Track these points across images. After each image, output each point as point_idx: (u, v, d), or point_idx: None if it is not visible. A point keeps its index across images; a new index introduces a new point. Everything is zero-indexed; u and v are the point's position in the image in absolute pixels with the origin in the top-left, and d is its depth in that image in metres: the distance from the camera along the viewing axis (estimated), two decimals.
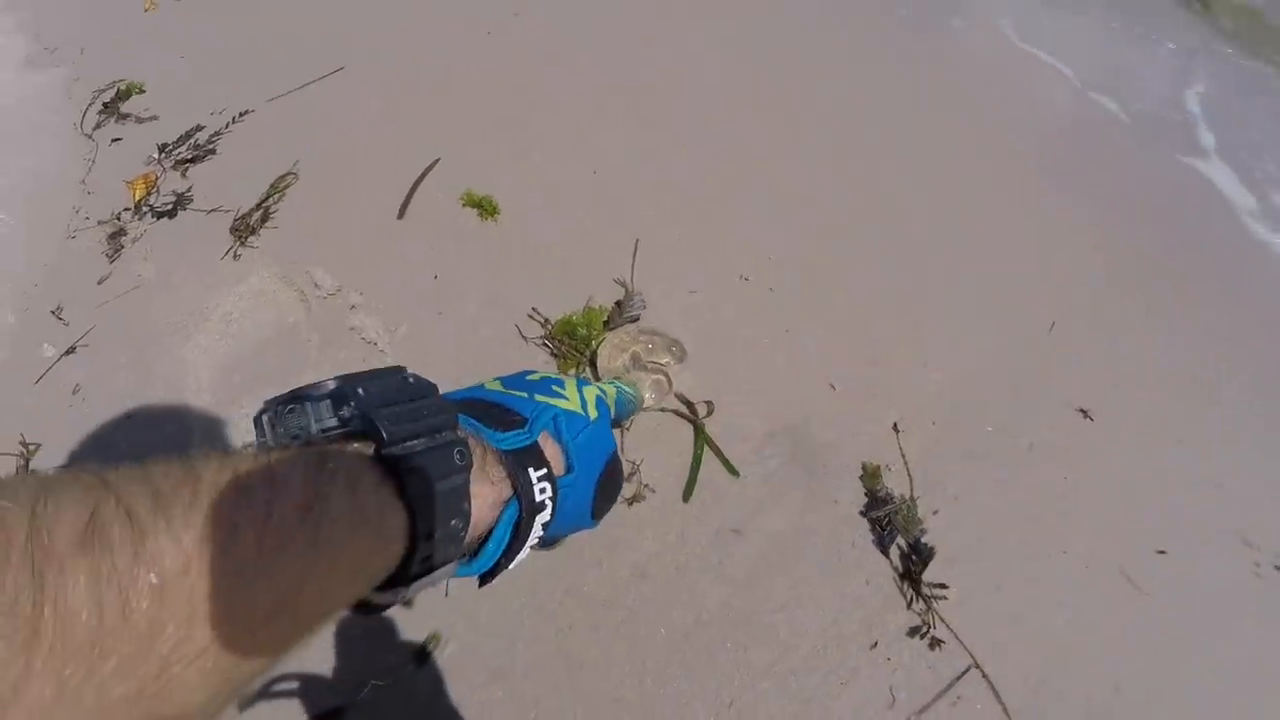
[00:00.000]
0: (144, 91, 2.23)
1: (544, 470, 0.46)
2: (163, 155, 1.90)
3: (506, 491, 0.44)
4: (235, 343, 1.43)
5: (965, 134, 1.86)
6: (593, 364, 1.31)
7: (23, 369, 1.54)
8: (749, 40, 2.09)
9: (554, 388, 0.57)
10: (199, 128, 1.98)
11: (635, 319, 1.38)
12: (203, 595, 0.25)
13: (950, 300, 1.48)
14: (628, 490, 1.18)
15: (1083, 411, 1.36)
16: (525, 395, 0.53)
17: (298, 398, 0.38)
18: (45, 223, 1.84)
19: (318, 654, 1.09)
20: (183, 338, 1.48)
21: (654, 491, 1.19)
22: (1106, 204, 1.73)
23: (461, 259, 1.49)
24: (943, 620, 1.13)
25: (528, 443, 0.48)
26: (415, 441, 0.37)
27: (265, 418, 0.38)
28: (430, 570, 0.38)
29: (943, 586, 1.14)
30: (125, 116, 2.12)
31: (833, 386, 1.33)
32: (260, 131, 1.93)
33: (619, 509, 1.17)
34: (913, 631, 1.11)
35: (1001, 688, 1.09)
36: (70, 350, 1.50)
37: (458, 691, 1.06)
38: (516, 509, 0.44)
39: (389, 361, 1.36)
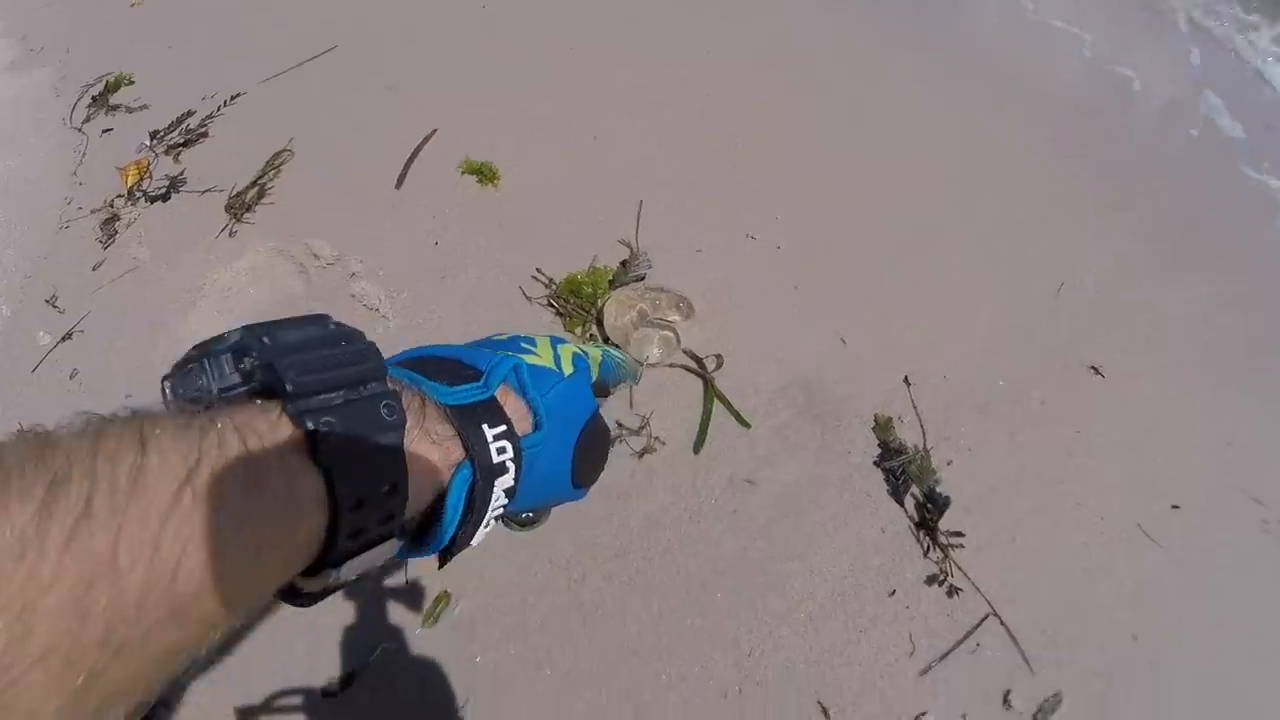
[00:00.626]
0: (133, 83, 2.21)
1: (502, 428, 0.39)
2: (155, 142, 1.88)
3: (456, 453, 0.37)
4: (234, 317, 1.41)
5: (980, 99, 1.85)
6: (599, 322, 1.29)
7: (20, 358, 1.51)
8: (756, 6, 2.09)
9: (523, 344, 0.50)
10: (190, 113, 1.96)
11: (641, 278, 1.37)
12: (39, 587, 0.20)
13: (961, 259, 1.47)
14: (637, 443, 1.16)
15: (1094, 369, 1.35)
16: (487, 351, 0.46)
17: (198, 355, 0.32)
18: (36, 216, 1.81)
19: (327, 619, 1.06)
20: (180, 316, 1.46)
21: (664, 444, 1.17)
22: (1119, 169, 1.73)
23: (462, 225, 1.48)
24: (960, 569, 1.11)
25: (482, 397, 0.40)
26: (332, 395, 0.31)
27: (167, 383, 0.32)
28: (367, 547, 0.33)
29: (959, 535, 1.12)
30: (115, 108, 2.10)
31: (843, 341, 1.32)
32: (254, 113, 1.92)
33: (629, 462, 1.15)
34: (930, 580, 1.09)
35: (1019, 635, 1.08)
36: (67, 336, 1.48)
37: (470, 651, 1.03)
38: (470, 472, 0.38)
39: (392, 330, 1.34)
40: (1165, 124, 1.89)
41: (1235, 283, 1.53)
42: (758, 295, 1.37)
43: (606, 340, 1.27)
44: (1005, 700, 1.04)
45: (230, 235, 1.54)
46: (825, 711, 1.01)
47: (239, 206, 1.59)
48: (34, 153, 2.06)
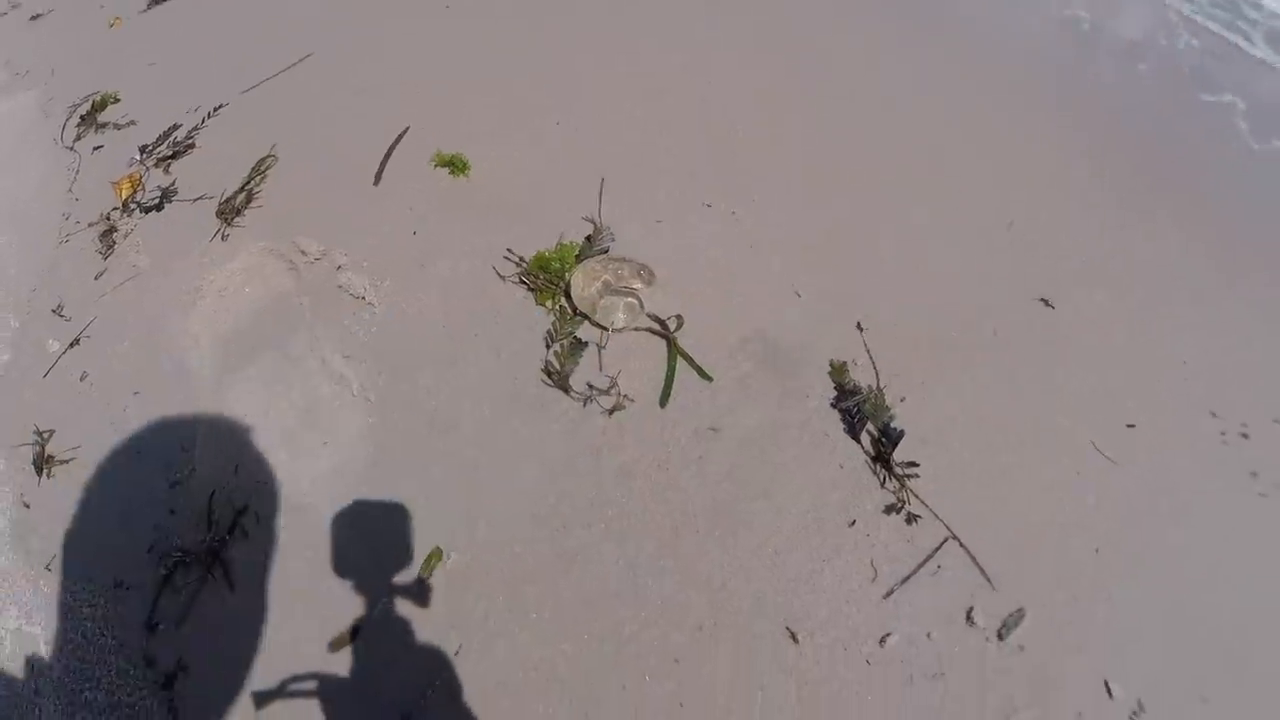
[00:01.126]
0: (119, 100, 2.29)
1: None
2: (145, 156, 1.97)
3: None
4: (232, 315, 1.49)
5: (944, 49, 1.90)
6: (567, 295, 1.37)
7: (30, 367, 1.60)
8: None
9: None
10: (176, 126, 2.04)
11: (605, 251, 1.44)
12: None
13: (908, 204, 1.53)
14: (607, 402, 1.24)
15: (1044, 300, 1.41)
16: None
17: None
18: (36, 233, 1.91)
19: (327, 577, 1.15)
20: (181, 317, 1.54)
21: (633, 401, 1.24)
22: (1067, 107, 1.77)
23: (437, 215, 1.56)
24: (917, 496, 1.18)
25: None
26: None
27: None
28: None
29: (913, 465, 1.19)
30: (104, 125, 2.19)
31: (798, 294, 1.38)
32: (237, 122, 2.00)
33: (600, 420, 1.23)
34: (889, 509, 1.17)
35: (980, 556, 1.14)
36: (74, 343, 1.57)
37: (462, 601, 1.12)
38: None
39: (379, 315, 1.42)
40: (1122, 59, 1.92)
41: (1190, 207, 1.57)
42: (715, 258, 1.44)
43: (575, 310, 1.35)
44: (969, 617, 1.11)
45: (223, 239, 1.62)
46: (794, 636, 1.09)
47: (229, 211, 1.67)
48: (26, 173, 2.15)
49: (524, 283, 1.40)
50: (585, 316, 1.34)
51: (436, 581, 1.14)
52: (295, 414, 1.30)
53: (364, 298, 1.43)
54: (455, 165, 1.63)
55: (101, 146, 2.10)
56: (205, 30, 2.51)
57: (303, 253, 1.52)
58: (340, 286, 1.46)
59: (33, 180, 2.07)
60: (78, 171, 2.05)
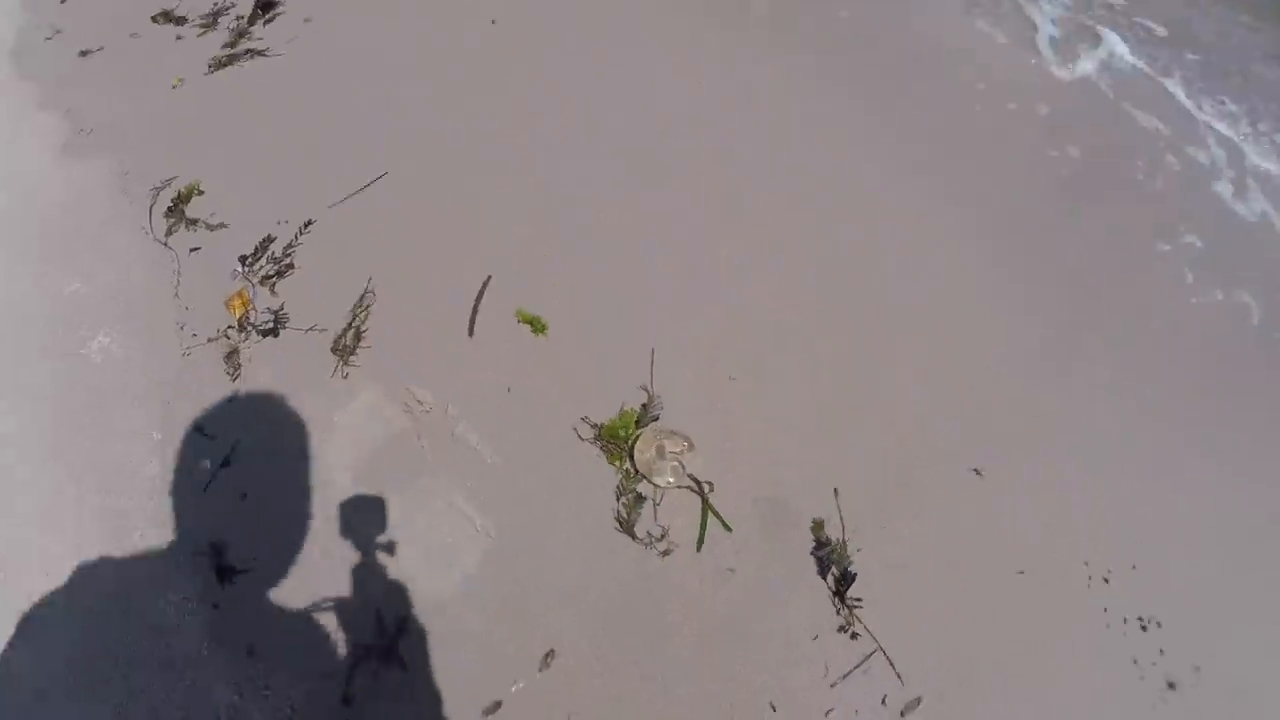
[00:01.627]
0: (202, 193, 2.54)
1: None
2: (246, 269, 2.28)
3: None
4: (364, 450, 1.91)
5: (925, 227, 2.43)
6: (631, 457, 1.88)
7: (182, 482, 1.92)
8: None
9: None
10: (271, 239, 2.35)
11: (656, 418, 1.95)
12: None
13: (894, 384, 2.10)
14: (663, 545, 1.79)
15: (975, 470, 2.02)
16: None
17: None
18: (157, 341, 2.19)
19: (470, 662, 1.68)
20: (321, 449, 1.93)
21: (679, 546, 1.80)
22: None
23: (525, 372, 2.01)
24: (860, 621, 1.80)
25: None
26: None
27: None
28: None
29: (858, 600, 1.81)
30: (194, 222, 2.45)
31: (798, 463, 1.95)
32: (327, 241, 2.33)
33: (656, 560, 1.78)
34: (841, 629, 1.79)
35: (898, 660, 1.78)
36: (225, 463, 1.94)
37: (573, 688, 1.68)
38: None
39: (491, 467, 1.88)
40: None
41: (1119, 370, 2.19)
42: (739, 429, 1.98)
43: (636, 470, 1.87)
44: (883, 702, 1.75)
45: (344, 378, 2.02)
46: (774, 708, 1.71)
47: (342, 350, 2.06)
48: (127, 267, 2.39)
49: (598, 445, 1.90)
50: (644, 476, 1.86)
51: (553, 679, 1.69)
52: (426, 543, 1.79)
53: (479, 450, 1.89)
54: (535, 325, 2.07)
55: (199, 249, 2.38)
56: (274, 108, 2.73)
57: (419, 401, 1.95)
58: (454, 436, 1.91)
59: (137, 279, 2.34)
60: (179, 274, 2.33)
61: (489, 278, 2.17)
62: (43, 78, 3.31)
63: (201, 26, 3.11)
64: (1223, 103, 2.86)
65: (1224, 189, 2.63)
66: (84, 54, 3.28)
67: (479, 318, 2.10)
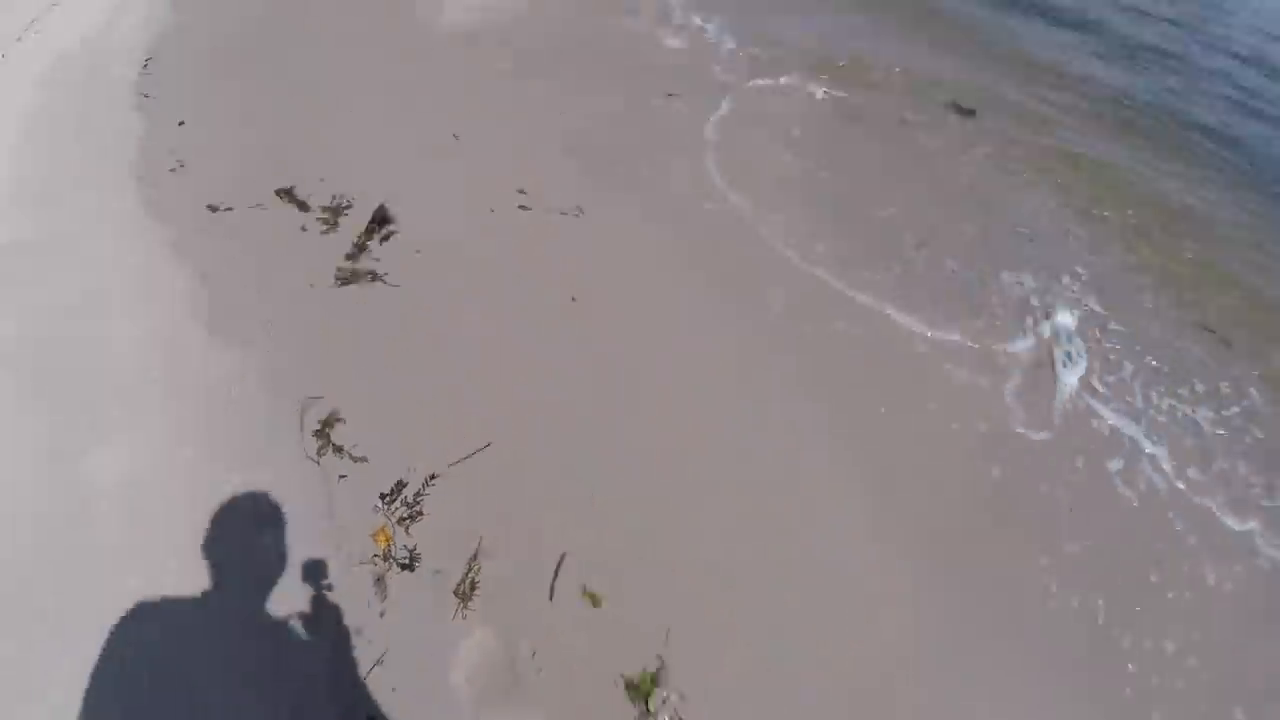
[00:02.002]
0: (344, 421, 3.23)
1: None
2: (385, 507, 3.06)
3: None
4: (474, 686, 2.84)
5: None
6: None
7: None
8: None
9: None
10: (403, 484, 3.11)
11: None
12: None
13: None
14: None
15: None
16: None
17: None
18: (309, 548, 2.99)
19: None
20: (443, 677, 2.85)
21: None
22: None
23: (587, 642, 2.93)
24: None
25: None
26: None
27: None
28: None
29: None
30: (339, 449, 3.17)
31: None
32: (447, 495, 3.10)
33: None
34: None
35: None
36: (379, 661, 2.84)
37: None
38: None
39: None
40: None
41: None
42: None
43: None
44: None
45: (463, 619, 2.91)
46: None
47: (461, 595, 2.93)
48: (282, 476, 3.11)
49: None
50: None
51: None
52: None
53: None
54: (594, 599, 2.97)
55: (346, 476, 3.12)
56: (399, 341, 3.38)
57: (529, 655, 2.87)
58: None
59: (292, 486, 3.08)
60: (331, 498, 3.10)
61: (564, 554, 3.04)
62: (177, 222, 3.73)
63: (323, 223, 3.57)
64: None
65: None
66: (213, 209, 3.70)
67: (557, 584, 2.99)
